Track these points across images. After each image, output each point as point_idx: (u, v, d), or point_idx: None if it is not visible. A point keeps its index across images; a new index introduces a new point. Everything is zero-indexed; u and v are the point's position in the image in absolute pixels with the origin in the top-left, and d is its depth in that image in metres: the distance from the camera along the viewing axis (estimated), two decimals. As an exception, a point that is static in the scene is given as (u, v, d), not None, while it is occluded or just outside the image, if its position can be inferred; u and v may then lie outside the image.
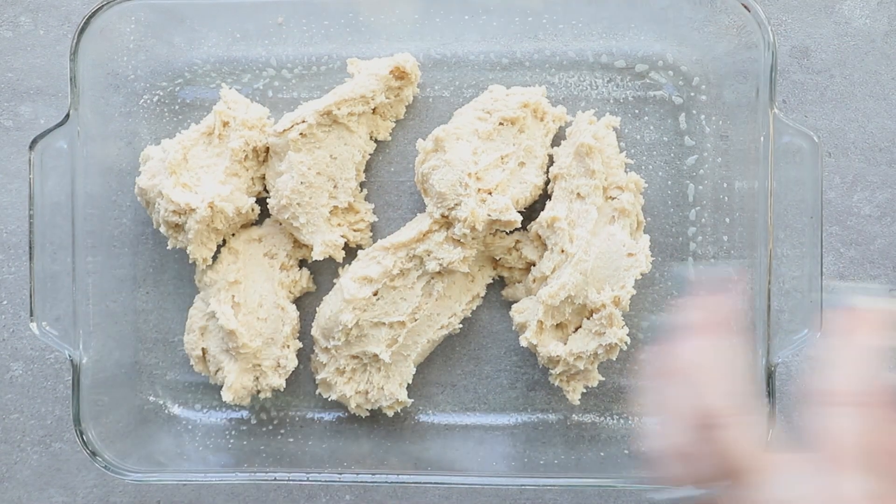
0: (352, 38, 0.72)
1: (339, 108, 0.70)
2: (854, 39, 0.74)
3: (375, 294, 0.70)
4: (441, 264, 0.69)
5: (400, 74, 0.71)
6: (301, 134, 0.69)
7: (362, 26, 0.71)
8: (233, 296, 0.70)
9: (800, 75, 0.74)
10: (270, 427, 0.73)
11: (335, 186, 0.71)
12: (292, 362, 0.71)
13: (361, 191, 0.73)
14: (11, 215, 0.75)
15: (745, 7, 0.65)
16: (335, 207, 0.71)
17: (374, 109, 0.72)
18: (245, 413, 0.73)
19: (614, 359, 0.69)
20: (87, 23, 0.66)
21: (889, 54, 0.74)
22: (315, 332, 0.71)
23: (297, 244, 0.73)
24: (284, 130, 0.69)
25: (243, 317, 0.70)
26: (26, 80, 0.75)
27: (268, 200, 0.71)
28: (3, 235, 0.75)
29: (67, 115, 0.66)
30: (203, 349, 0.71)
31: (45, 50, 0.75)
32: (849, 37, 0.74)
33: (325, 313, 0.71)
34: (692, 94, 0.71)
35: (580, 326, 0.69)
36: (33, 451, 0.75)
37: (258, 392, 0.71)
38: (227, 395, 0.70)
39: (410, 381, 0.71)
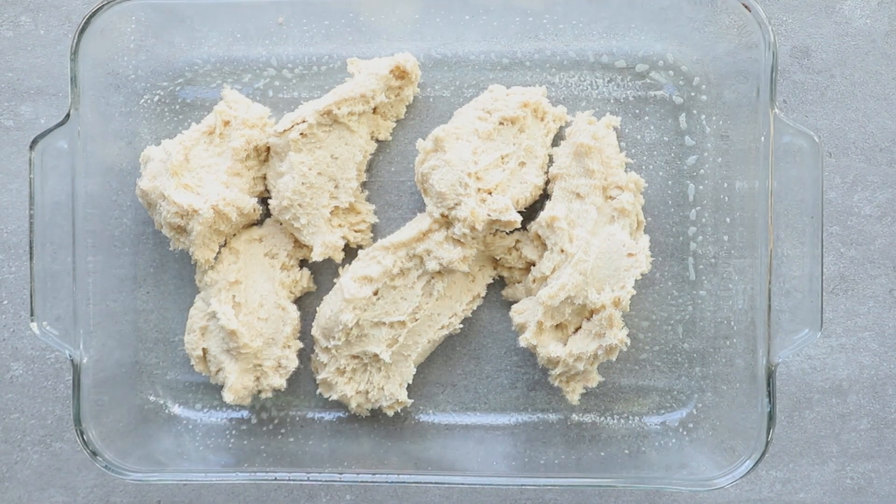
0: (352, 38, 0.72)
1: (339, 108, 0.69)
2: (855, 39, 0.74)
3: (376, 294, 0.70)
4: (441, 264, 0.69)
5: (400, 74, 0.71)
6: (301, 134, 0.69)
7: (363, 26, 0.71)
8: (233, 296, 0.70)
9: (800, 75, 0.74)
10: (271, 427, 0.73)
11: (336, 186, 0.71)
12: (293, 362, 0.71)
13: (363, 191, 0.73)
14: (12, 215, 0.75)
15: (746, 7, 0.65)
16: (336, 208, 0.71)
17: (374, 109, 0.72)
18: (245, 413, 0.73)
19: (614, 359, 0.69)
20: (87, 22, 0.66)
21: (889, 54, 0.74)
22: (315, 331, 0.71)
23: (298, 244, 0.72)
24: (285, 130, 0.69)
25: (244, 317, 0.70)
26: (27, 79, 0.75)
27: (269, 201, 0.71)
28: (4, 235, 0.75)
29: (68, 115, 0.66)
30: (204, 349, 0.71)
31: (46, 50, 0.75)
32: (849, 37, 0.74)
33: (325, 313, 0.71)
34: (692, 93, 0.71)
35: (580, 327, 0.69)
36: (34, 451, 0.75)
37: (259, 392, 0.71)
38: (228, 396, 0.70)
39: (411, 381, 0.71)
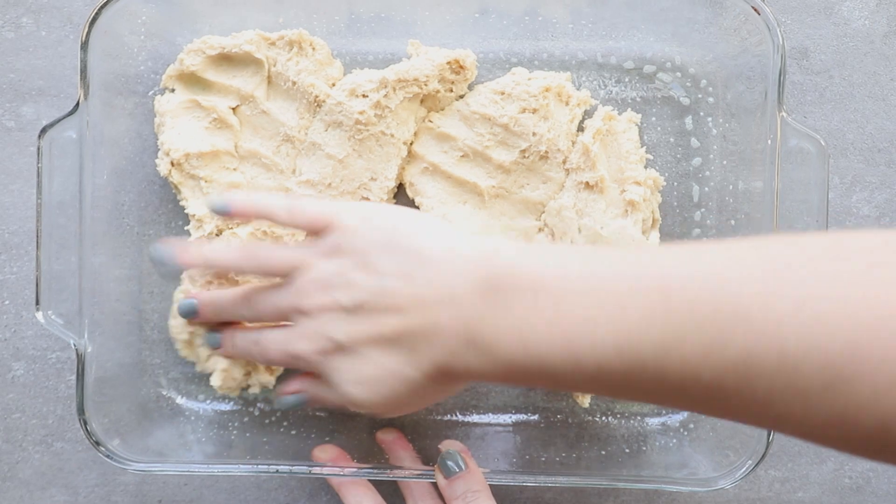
0: (353, 38, 0.72)
1: (394, 89, 0.68)
2: (853, 40, 0.74)
3: None
4: None
5: (457, 68, 0.69)
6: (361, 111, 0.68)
7: (364, 26, 0.72)
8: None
9: (799, 76, 0.74)
10: (273, 419, 0.73)
11: (373, 179, 0.69)
12: None
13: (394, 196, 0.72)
14: (14, 215, 0.75)
15: (755, 10, 0.65)
16: (363, 199, 0.70)
17: (421, 101, 0.70)
18: (248, 405, 0.73)
19: None
20: (98, 13, 0.66)
21: (888, 55, 0.74)
22: None
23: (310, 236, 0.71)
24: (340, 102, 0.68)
25: None
26: (28, 80, 0.75)
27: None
28: (6, 236, 0.75)
29: (77, 105, 0.66)
30: (190, 333, 0.70)
31: (48, 51, 0.75)
32: (848, 38, 0.74)
33: None
34: (699, 95, 0.71)
35: None
36: (35, 451, 0.75)
37: (248, 387, 0.71)
38: (215, 381, 0.69)
39: None
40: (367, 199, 0.70)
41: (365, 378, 0.54)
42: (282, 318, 0.59)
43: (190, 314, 0.65)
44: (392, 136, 0.69)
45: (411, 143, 0.70)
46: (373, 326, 0.53)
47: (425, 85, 0.68)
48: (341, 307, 0.55)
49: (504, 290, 0.50)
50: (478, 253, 0.53)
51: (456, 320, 0.51)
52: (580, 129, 0.71)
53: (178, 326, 0.70)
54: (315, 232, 0.59)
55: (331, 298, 0.56)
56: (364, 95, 0.68)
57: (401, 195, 0.73)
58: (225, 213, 0.62)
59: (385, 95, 0.68)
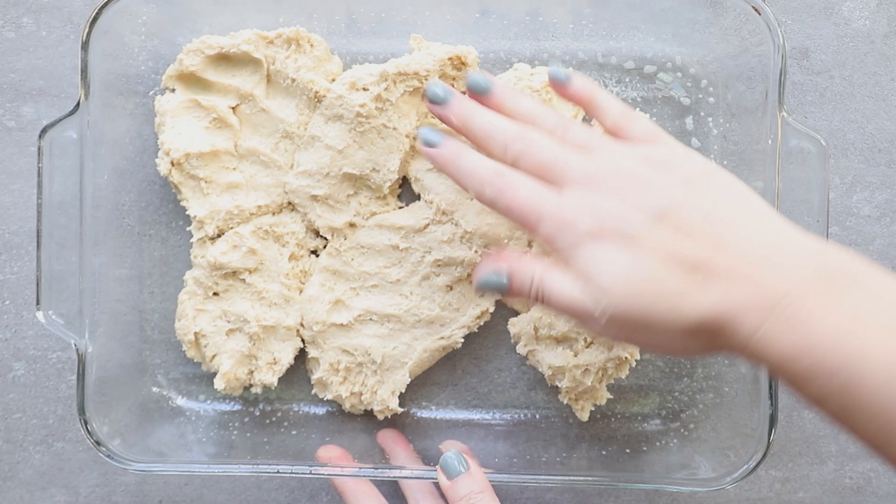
0: (353, 39, 0.72)
1: (394, 82, 0.68)
2: (854, 41, 0.74)
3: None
4: (440, 263, 0.68)
5: (459, 64, 0.69)
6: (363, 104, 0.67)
7: (364, 26, 0.72)
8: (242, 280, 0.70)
9: (799, 76, 0.74)
10: (274, 419, 0.73)
11: (375, 170, 0.69)
12: (287, 356, 0.70)
13: (399, 188, 0.72)
14: (14, 215, 0.75)
15: (756, 10, 0.65)
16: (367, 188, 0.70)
17: (423, 95, 0.69)
18: (249, 405, 0.73)
19: (624, 376, 0.69)
20: (98, 13, 0.65)
21: (888, 55, 0.74)
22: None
23: (310, 232, 0.71)
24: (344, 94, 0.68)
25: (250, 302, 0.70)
26: (29, 80, 0.75)
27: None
28: (6, 236, 0.75)
29: (77, 105, 0.66)
30: (196, 333, 0.70)
31: (48, 51, 0.75)
32: (848, 38, 0.74)
33: (307, 294, 0.70)
34: (700, 95, 0.71)
35: (592, 343, 0.68)
36: (35, 451, 0.75)
37: (250, 386, 0.71)
38: (219, 383, 0.69)
39: (403, 391, 0.70)
40: (369, 187, 0.70)
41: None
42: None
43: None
44: (395, 128, 0.68)
45: (414, 137, 0.70)
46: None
47: (426, 79, 0.68)
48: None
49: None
50: None
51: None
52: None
53: (184, 327, 0.70)
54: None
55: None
56: (365, 88, 0.68)
57: (406, 189, 0.73)
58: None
59: (386, 88, 0.67)
